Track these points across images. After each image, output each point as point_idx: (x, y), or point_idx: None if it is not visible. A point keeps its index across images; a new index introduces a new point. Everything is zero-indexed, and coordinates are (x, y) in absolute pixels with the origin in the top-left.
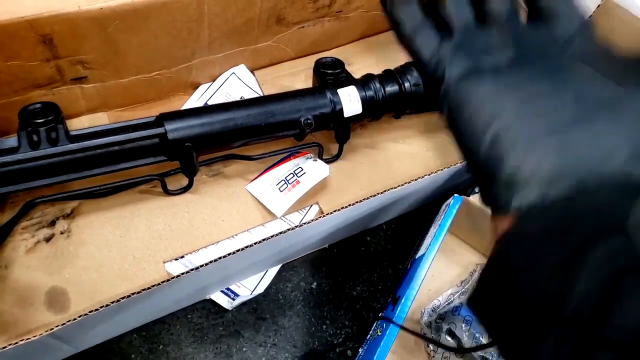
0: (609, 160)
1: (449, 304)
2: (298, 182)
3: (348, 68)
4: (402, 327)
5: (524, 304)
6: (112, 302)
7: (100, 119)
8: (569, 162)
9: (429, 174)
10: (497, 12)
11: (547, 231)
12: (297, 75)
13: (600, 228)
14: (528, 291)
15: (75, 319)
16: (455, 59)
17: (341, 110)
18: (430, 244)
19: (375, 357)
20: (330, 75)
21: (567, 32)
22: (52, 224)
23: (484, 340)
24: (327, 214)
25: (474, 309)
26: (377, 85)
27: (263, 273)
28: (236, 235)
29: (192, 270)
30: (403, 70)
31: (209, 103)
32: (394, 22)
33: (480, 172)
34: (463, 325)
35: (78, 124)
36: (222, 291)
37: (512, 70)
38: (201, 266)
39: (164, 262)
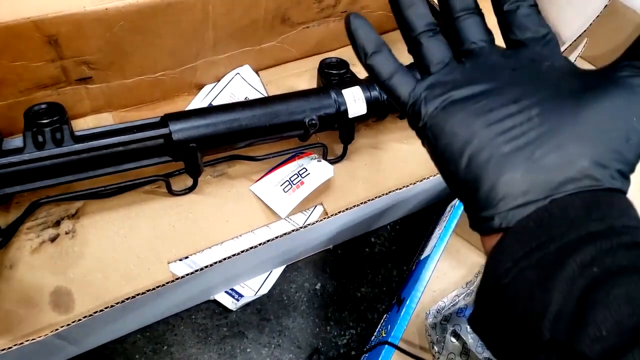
0: (573, 170)
1: (454, 305)
2: (302, 183)
3: (353, 68)
4: (397, 348)
5: (512, 325)
6: (117, 303)
7: (105, 120)
8: (537, 176)
9: (434, 175)
10: (471, 48)
11: (525, 247)
12: (302, 76)
13: (574, 239)
14: (514, 311)
15: (80, 320)
16: (429, 96)
17: (346, 110)
18: (435, 245)
19: (380, 359)
20: (335, 75)
21: (537, 54)
22: (57, 224)
23: None
24: (331, 215)
25: (474, 329)
26: None
27: (267, 274)
28: (240, 236)
29: (196, 271)
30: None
31: (214, 104)
32: (372, 73)
33: (462, 197)
34: (468, 327)
35: (83, 125)
36: (226, 292)
37: (482, 97)
38: (205, 267)
39: (169, 263)
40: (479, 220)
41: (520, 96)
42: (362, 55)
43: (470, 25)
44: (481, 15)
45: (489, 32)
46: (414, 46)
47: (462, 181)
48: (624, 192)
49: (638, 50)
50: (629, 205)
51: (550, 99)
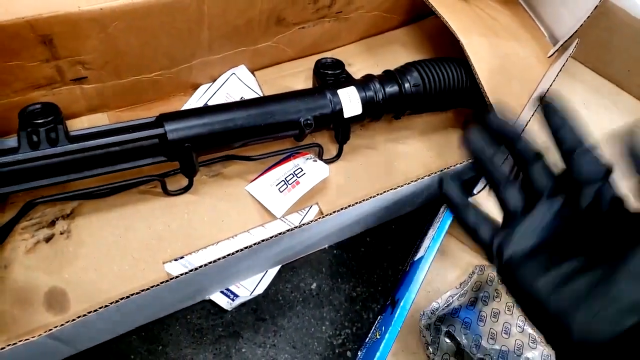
0: (630, 321)
1: (448, 306)
2: (298, 183)
3: (348, 69)
4: None
5: None
6: (112, 303)
7: (100, 120)
8: (602, 319)
9: (429, 175)
10: (539, 193)
11: None
12: (297, 76)
13: None
14: None
15: (74, 320)
16: (504, 249)
17: (341, 110)
18: (429, 246)
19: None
20: (330, 75)
21: (595, 197)
22: (52, 224)
23: (482, 343)
24: (326, 215)
25: None
26: (377, 85)
27: (262, 274)
28: (236, 235)
29: (191, 270)
30: (403, 70)
31: (209, 103)
32: (459, 220)
33: (545, 335)
34: (462, 328)
35: (78, 124)
36: (221, 292)
37: (547, 253)
38: (200, 267)
39: (164, 263)
40: None
41: (576, 253)
42: (452, 209)
43: (536, 172)
44: (544, 159)
45: (552, 176)
46: (495, 192)
47: (537, 326)
48: None
49: None
50: None
51: (603, 255)
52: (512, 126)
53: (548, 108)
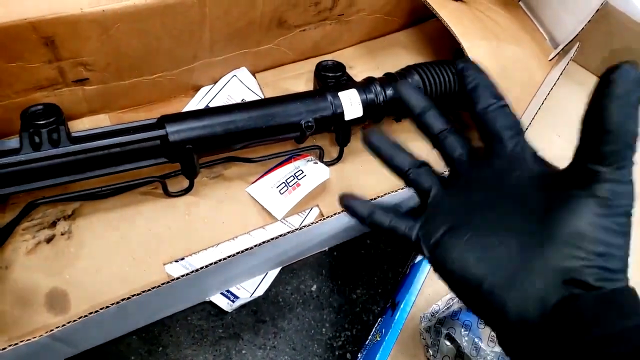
0: (557, 295)
1: (448, 308)
2: (298, 185)
3: (349, 71)
4: None
5: None
6: (112, 304)
7: (101, 121)
8: (529, 304)
9: None
10: (453, 165)
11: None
12: (299, 78)
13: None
14: None
15: (75, 321)
16: (425, 235)
17: (342, 113)
18: None
19: None
20: (332, 78)
21: (508, 162)
22: (53, 225)
23: (482, 345)
24: (327, 217)
25: None
26: (378, 88)
27: (263, 275)
28: (236, 237)
29: (192, 272)
30: (404, 73)
31: (210, 105)
32: (374, 227)
33: (482, 319)
34: (462, 330)
35: (80, 126)
36: (221, 293)
37: (468, 231)
38: (201, 268)
39: (164, 264)
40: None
41: (498, 225)
42: (361, 220)
43: (448, 144)
44: (456, 131)
45: (464, 145)
46: (407, 182)
47: (474, 309)
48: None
49: (583, 168)
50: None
51: (524, 224)
52: (423, 97)
53: (463, 68)
